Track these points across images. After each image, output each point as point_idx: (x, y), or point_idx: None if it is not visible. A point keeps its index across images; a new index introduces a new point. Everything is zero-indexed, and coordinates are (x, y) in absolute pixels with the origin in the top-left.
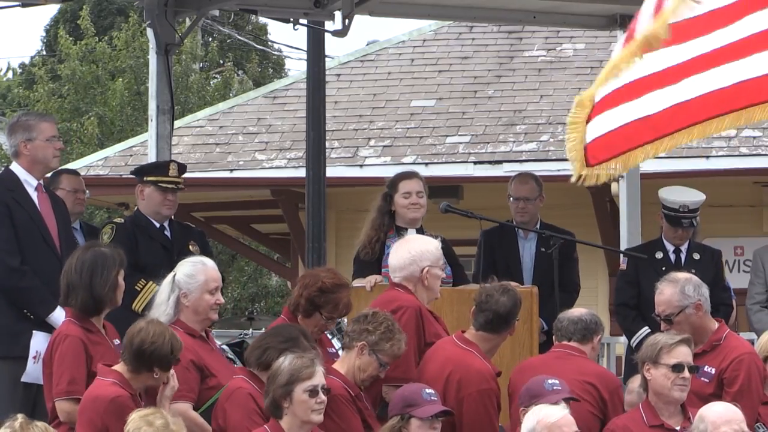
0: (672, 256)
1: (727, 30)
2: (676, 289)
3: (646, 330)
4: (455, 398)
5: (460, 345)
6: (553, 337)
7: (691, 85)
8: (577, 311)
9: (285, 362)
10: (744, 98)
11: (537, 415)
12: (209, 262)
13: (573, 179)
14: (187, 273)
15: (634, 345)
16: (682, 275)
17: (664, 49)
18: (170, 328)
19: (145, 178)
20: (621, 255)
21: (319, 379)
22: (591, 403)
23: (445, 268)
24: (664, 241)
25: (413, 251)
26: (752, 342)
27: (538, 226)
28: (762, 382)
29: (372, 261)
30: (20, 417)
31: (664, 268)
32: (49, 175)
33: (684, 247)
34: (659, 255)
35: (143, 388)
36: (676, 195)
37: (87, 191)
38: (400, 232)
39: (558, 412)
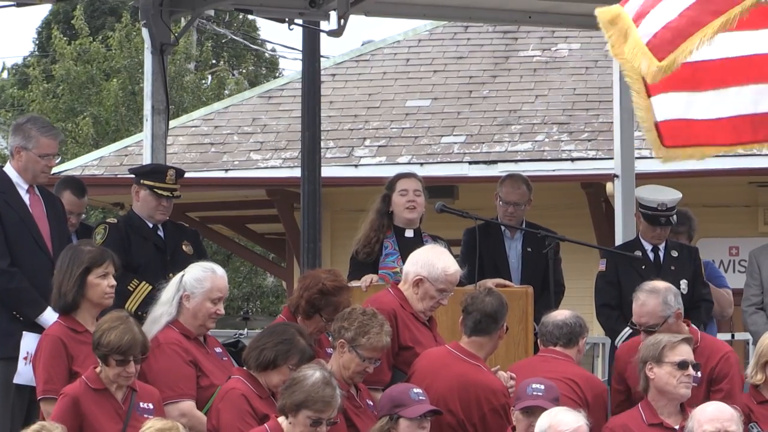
0: (651, 255)
1: None
2: (659, 300)
3: (629, 330)
4: (477, 415)
5: (466, 359)
6: (538, 341)
7: None
8: (560, 315)
9: (309, 381)
10: None
11: (551, 419)
12: (220, 271)
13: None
14: (195, 276)
15: (618, 345)
16: (661, 285)
17: (748, 32)
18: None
19: (142, 181)
20: (600, 255)
21: (328, 414)
22: (574, 401)
23: (444, 298)
24: (642, 240)
25: (423, 258)
26: (747, 343)
27: (523, 226)
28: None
29: (369, 262)
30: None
31: (643, 267)
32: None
33: (662, 246)
34: (637, 254)
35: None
36: (654, 194)
37: (83, 215)
38: (398, 232)
39: (573, 420)
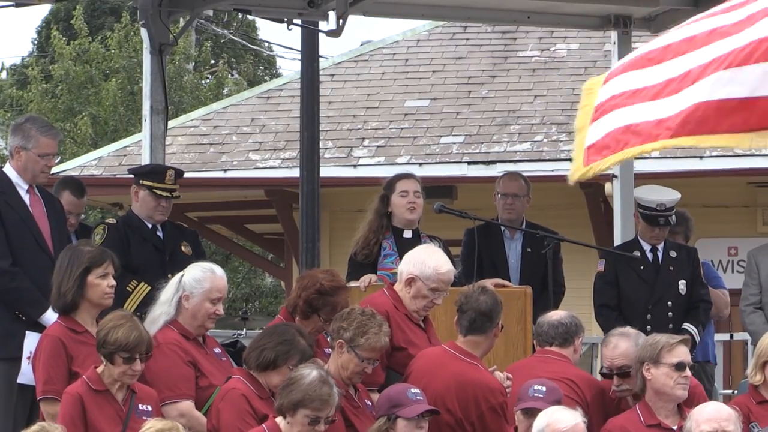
0: (649, 255)
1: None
2: (631, 342)
3: None
4: (475, 413)
5: (463, 358)
6: (534, 342)
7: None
8: (556, 315)
9: (306, 380)
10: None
11: (548, 417)
12: (219, 271)
13: (570, 181)
14: (194, 277)
15: None
16: (631, 330)
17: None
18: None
19: (141, 181)
20: (599, 256)
21: (326, 413)
22: (574, 401)
23: (438, 297)
24: (641, 240)
25: (415, 257)
26: (746, 343)
27: (523, 226)
28: None
29: (368, 263)
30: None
31: (642, 267)
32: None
33: (661, 246)
34: (636, 254)
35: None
36: (653, 194)
37: (82, 215)
38: (397, 233)
39: (570, 418)
